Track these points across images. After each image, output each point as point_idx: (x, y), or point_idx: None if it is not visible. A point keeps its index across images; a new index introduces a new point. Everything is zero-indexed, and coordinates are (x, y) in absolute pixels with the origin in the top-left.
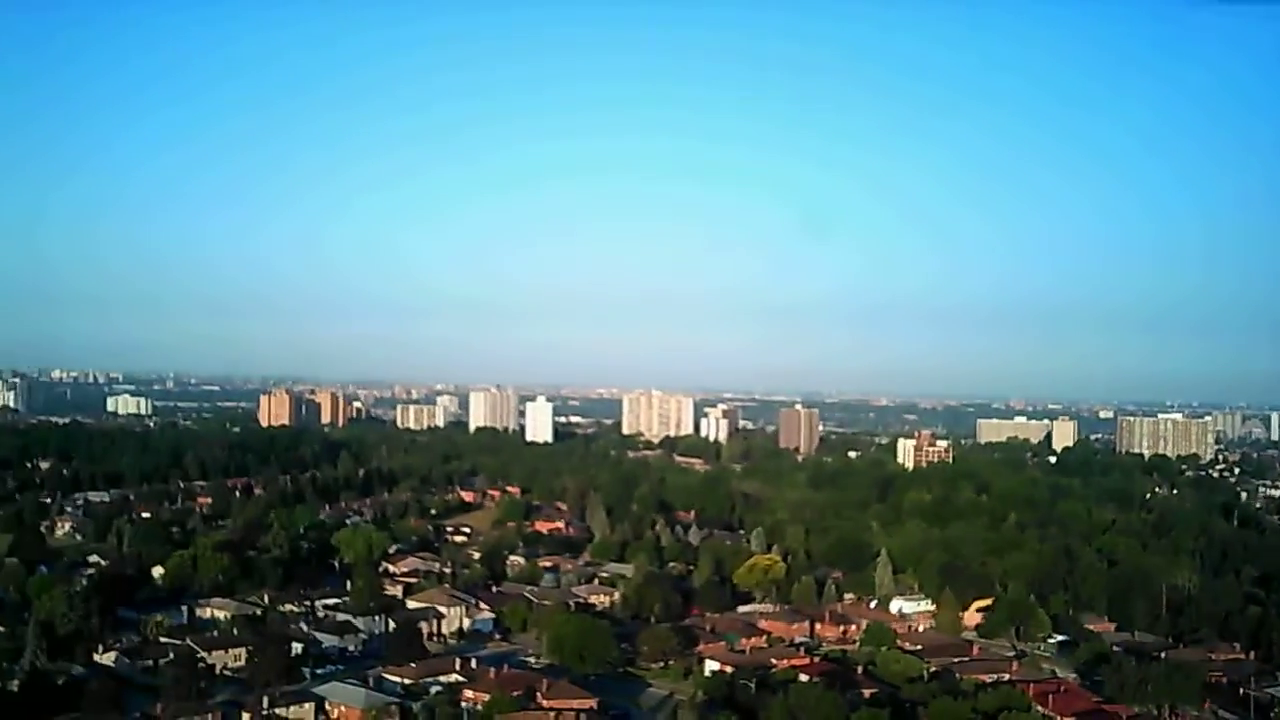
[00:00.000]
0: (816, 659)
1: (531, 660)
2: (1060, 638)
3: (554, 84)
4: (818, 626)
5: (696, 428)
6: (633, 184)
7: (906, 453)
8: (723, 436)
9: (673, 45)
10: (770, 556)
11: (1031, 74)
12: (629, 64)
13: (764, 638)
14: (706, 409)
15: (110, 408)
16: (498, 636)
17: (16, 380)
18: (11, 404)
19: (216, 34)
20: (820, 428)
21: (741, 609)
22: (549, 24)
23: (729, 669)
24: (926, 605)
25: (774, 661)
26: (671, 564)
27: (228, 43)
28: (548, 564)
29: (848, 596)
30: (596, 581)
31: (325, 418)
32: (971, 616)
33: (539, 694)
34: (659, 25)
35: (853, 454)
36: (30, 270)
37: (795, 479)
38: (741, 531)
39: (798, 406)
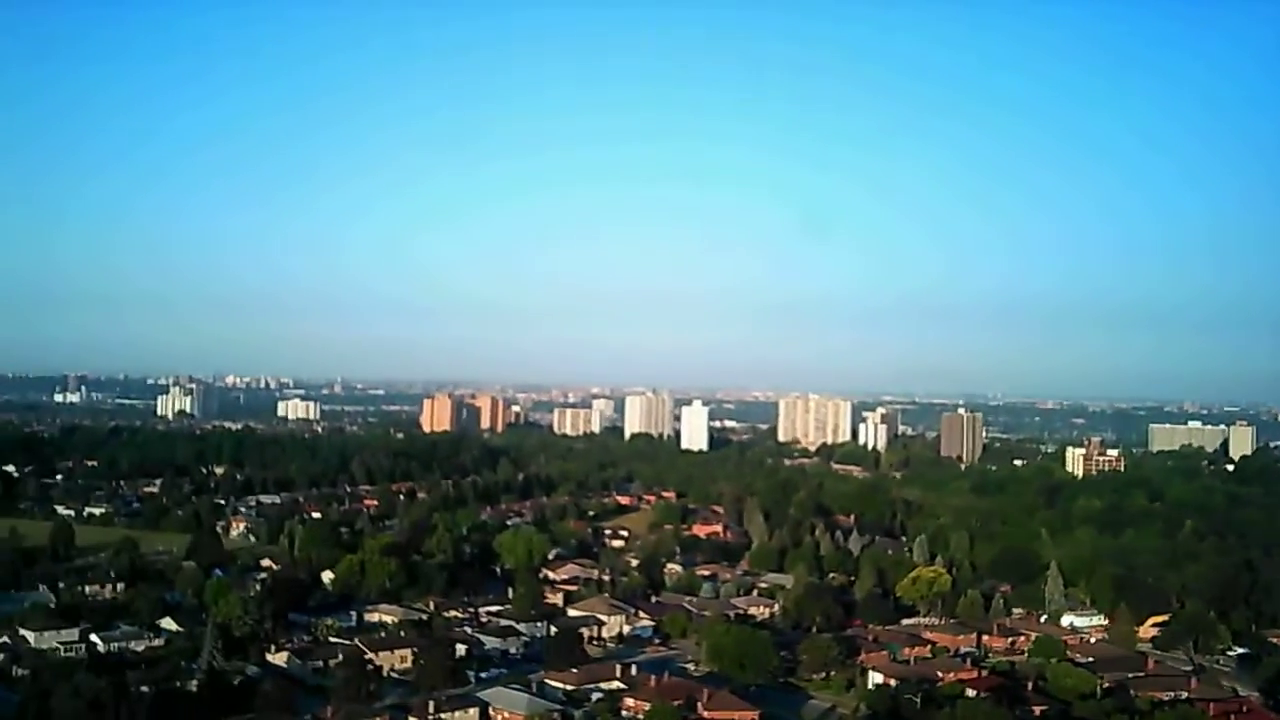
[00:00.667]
0: (984, 672)
1: (690, 668)
2: (1240, 650)
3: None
4: (984, 638)
5: (854, 434)
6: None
7: (1075, 461)
8: (881, 443)
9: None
10: (934, 569)
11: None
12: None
13: (928, 648)
14: (864, 413)
15: (281, 412)
16: (657, 641)
17: (193, 386)
18: (188, 409)
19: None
20: (984, 433)
21: (905, 622)
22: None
23: (893, 681)
24: (1099, 620)
25: (939, 674)
26: (831, 574)
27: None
28: (705, 573)
29: (1015, 611)
30: (755, 593)
31: (485, 422)
32: (1147, 632)
33: (699, 704)
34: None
35: (1018, 463)
36: (206, 279)
37: (958, 486)
38: (903, 539)
39: (960, 410)
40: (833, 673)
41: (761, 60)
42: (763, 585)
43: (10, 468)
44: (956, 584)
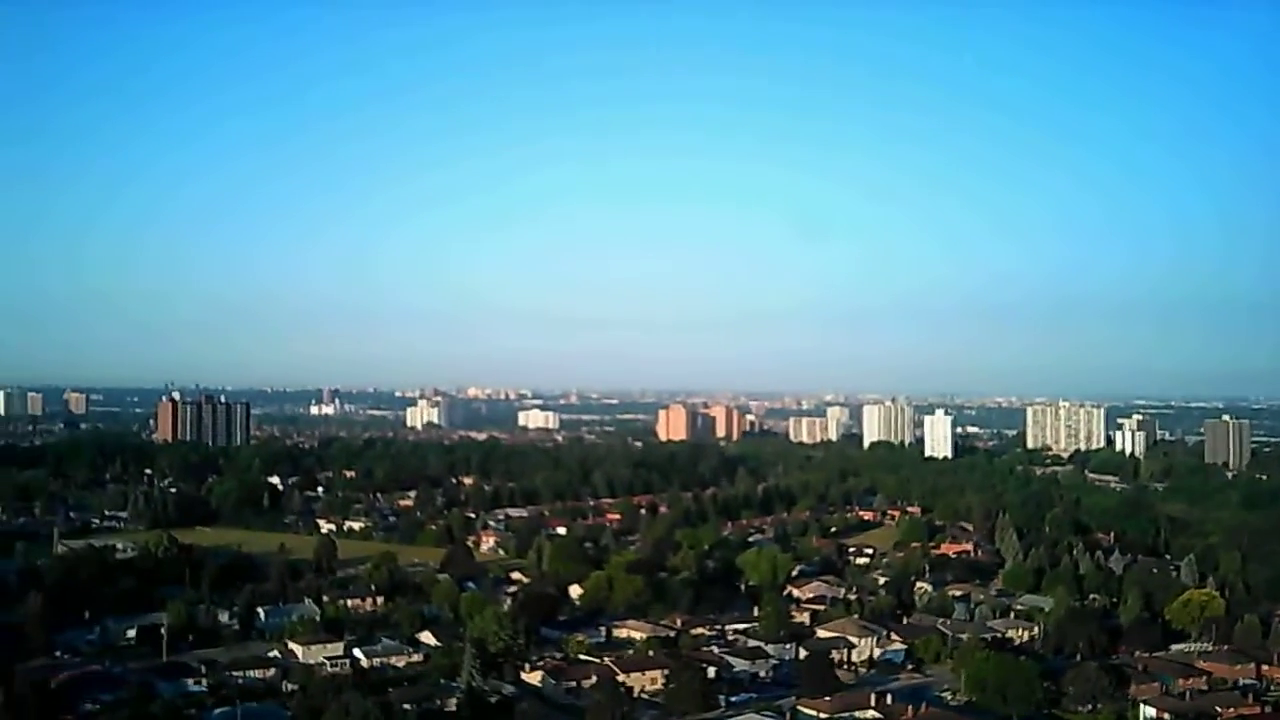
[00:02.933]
0: (1266, 707)
1: (947, 696)
2: None
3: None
4: (1264, 668)
5: (1109, 441)
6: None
7: None
8: (1139, 450)
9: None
10: (1206, 591)
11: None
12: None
13: (1203, 679)
14: (1119, 419)
15: (521, 422)
16: (909, 667)
17: (439, 399)
18: (436, 420)
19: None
20: (1250, 439)
21: (1174, 648)
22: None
23: (1167, 716)
24: None
25: (1218, 710)
26: (1093, 595)
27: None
28: (957, 592)
29: None
30: (1012, 615)
31: (720, 431)
32: None
33: None
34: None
35: None
36: (454, 296)
37: (1226, 498)
38: (1168, 557)
39: (1224, 416)
40: (1100, 705)
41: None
42: (1019, 606)
43: (275, 480)
44: (1230, 607)
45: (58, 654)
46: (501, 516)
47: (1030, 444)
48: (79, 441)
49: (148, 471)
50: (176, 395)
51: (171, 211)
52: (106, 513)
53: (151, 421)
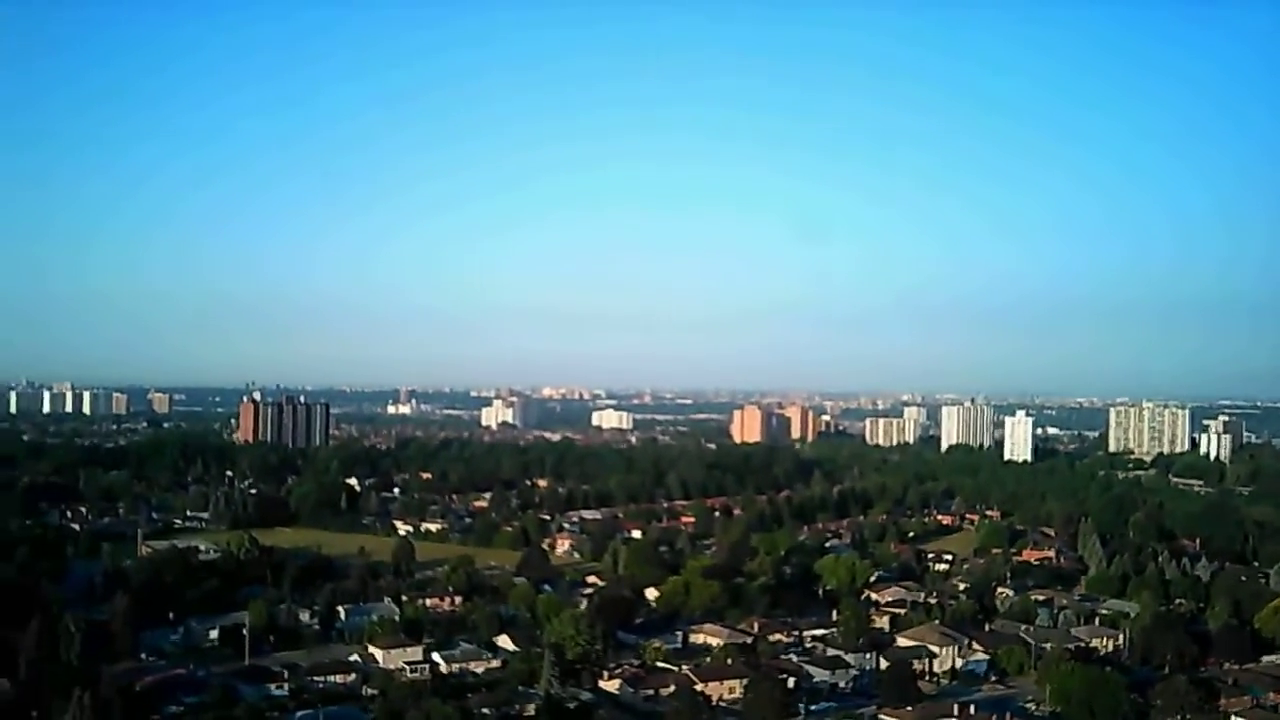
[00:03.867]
0: None
1: (1032, 707)
2: None
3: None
4: None
5: (1193, 443)
6: None
7: None
8: (1225, 453)
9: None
10: None
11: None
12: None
13: None
14: (1205, 420)
15: (595, 422)
16: (993, 679)
17: (514, 399)
18: (510, 420)
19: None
20: None
21: (1265, 659)
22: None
23: None
24: None
25: None
26: (1179, 600)
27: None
28: (1040, 598)
29: None
30: (1097, 622)
31: (795, 432)
32: None
33: None
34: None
35: None
36: (528, 296)
37: None
38: (1256, 564)
39: None
40: (1189, 719)
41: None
42: (1103, 612)
43: (353, 481)
44: None
45: (143, 655)
46: (576, 519)
47: (1112, 446)
48: (162, 442)
49: (229, 472)
50: (257, 395)
51: (233, 213)
52: (189, 513)
53: (233, 421)
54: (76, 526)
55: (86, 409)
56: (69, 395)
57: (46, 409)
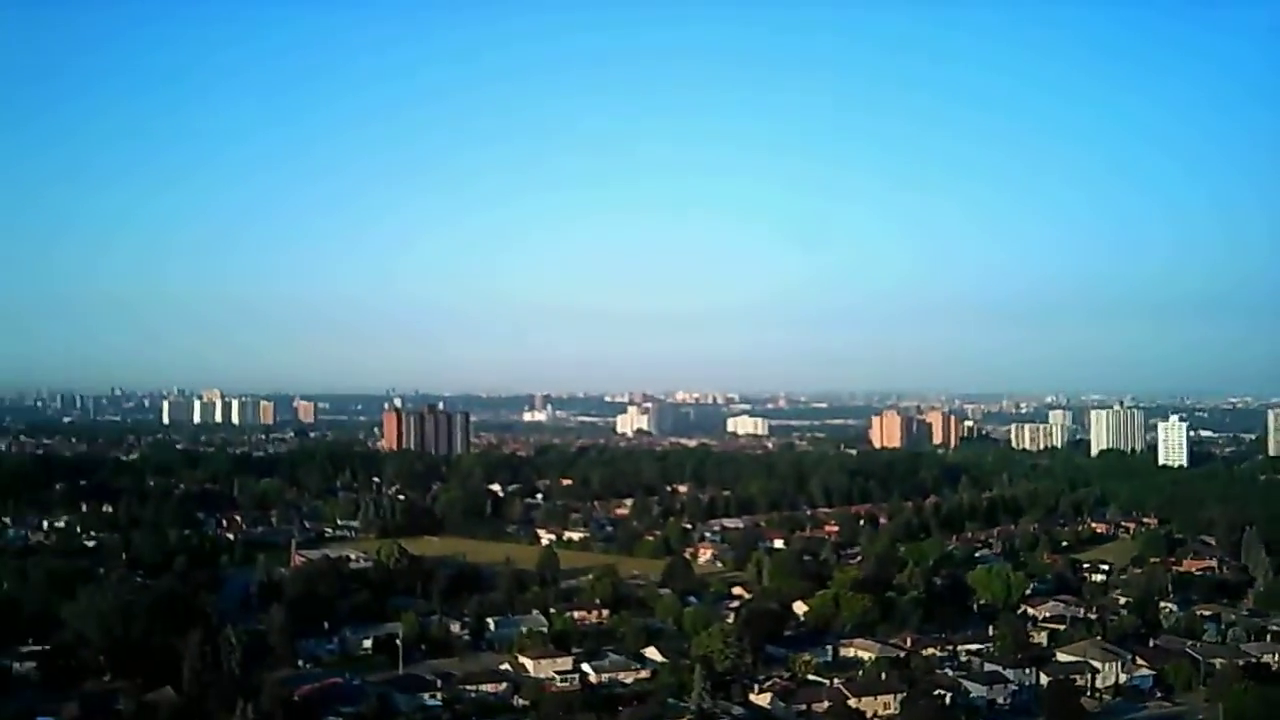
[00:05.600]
0: None
1: None
2: None
3: None
4: None
5: None
6: None
7: None
8: None
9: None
10: None
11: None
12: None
13: None
14: None
15: (730, 428)
16: (1159, 695)
17: (648, 404)
18: (645, 426)
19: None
20: None
21: None
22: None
23: None
24: None
25: None
26: None
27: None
28: (1206, 612)
29: None
30: (1268, 637)
31: (936, 438)
32: None
33: None
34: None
35: None
36: (660, 298)
37: None
38: None
39: None
40: None
41: None
42: (1274, 627)
43: (496, 487)
44: None
45: (301, 663)
46: (717, 527)
47: (1272, 450)
48: (310, 451)
49: (375, 480)
50: (398, 402)
51: (366, 222)
52: (339, 521)
53: (376, 430)
54: (231, 535)
55: (235, 418)
56: (218, 404)
57: (197, 418)
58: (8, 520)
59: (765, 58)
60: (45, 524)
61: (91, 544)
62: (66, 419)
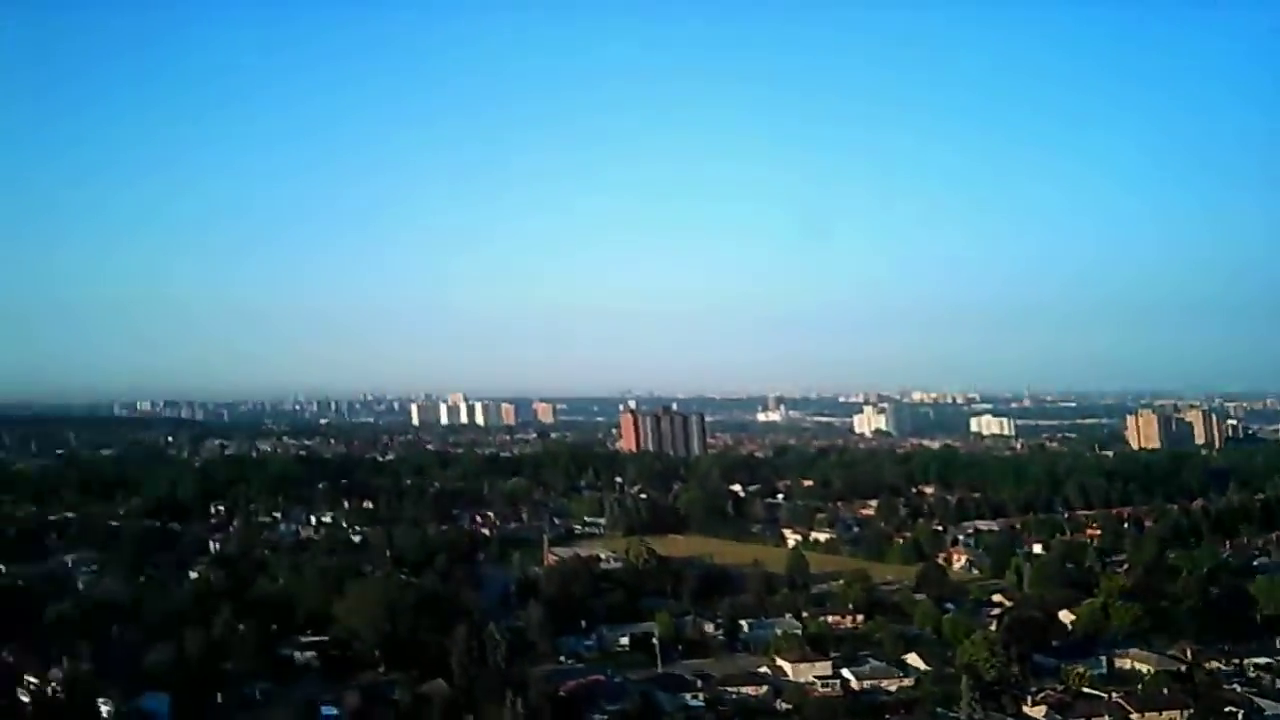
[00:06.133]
0: None
1: None
2: None
3: None
4: None
5: None
6: None
7: None
8: None
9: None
10: None
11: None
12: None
13: None
14: None
15: (974, 428)
16: None
17: (884, 405)
18: (884, 427)
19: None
20: None
21: None
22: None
23: None
24: None
25: None
26: None
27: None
28: None
29: None
30: None
31: (1198, 438)
32: None
33: None
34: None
35: None
36: (891, 297)
37: None
38: None
39: None
40: None
41: None
42: None
43: (735, 487)
44: None
45: (561, 659)
46: (970, 530)
47: None
48: (553, 451)
49: (617, 479)
50: (633, 404)
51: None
52: (586, 519)
53: (614, 431)
54: (486, 532)
55: (479, 419)
56: (462, 407)
57: (444, 420)
58: (279, 515)
59: None
60: (313, 519)
61: (356, 539)
62: (323, 420)
